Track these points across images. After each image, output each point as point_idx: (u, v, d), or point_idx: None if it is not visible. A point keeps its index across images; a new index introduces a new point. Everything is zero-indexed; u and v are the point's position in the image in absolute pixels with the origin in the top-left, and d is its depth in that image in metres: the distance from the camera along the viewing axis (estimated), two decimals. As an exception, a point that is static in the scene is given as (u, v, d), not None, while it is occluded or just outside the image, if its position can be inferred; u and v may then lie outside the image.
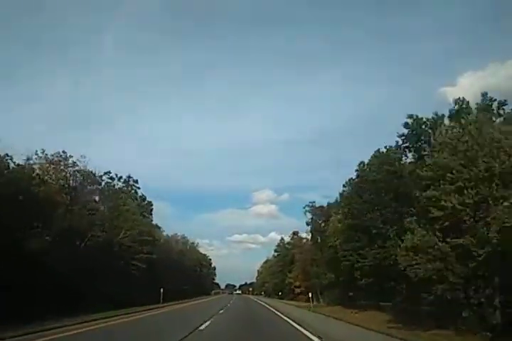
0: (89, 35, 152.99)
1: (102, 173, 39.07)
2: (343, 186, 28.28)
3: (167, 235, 74.12)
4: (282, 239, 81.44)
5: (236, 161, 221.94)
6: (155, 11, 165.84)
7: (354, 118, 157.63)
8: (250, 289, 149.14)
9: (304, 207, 60.02)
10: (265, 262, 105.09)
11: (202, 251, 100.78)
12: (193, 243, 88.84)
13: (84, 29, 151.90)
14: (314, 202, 59.59)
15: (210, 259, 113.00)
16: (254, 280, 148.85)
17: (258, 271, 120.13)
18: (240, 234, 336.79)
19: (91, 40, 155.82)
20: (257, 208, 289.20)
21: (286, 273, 69.46)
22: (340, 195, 29.36)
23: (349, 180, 27.98)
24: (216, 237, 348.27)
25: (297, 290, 65.06)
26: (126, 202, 33.59)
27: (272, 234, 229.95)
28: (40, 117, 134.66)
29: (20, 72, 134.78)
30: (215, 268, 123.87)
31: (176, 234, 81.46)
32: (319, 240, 57.21)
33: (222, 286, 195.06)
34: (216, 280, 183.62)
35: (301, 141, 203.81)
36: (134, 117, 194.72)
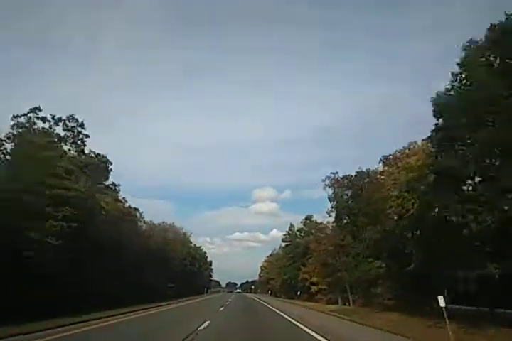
0: (92, 35, 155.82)
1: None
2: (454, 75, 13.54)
3: (151, 221, 60.21)
4: (292, 225, 66.90)
5: (236, 159, 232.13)
6: (157, 10, 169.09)
7: (356, 116, 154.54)
8: (252, 287, 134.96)
9: (324, 180, 45.21)
10: (270, 255, 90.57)
11: (195, 246, 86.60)
12: (185, 234, 74.53)
13: (87, 29, 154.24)
14: (337, 172, 44.77)
15: (206, 253, 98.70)
16: (257, 278, 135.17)
17: (261, 266, 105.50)
18: (241, 232, 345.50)
19: (94, 39, 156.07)
20: (257, 206, 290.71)
21: (299, 266, 54.95)
22: (436, 104, 14.67)
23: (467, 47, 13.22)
24: (217, 235, 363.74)
25: (314, 288, 50.62)
26: (30, 136, 19.14)
27: (273, 232, 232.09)
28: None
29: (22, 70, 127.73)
30: (211, 263, 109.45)
31: (163, 222, 67.26)
32: (346, 220, 42.90)
33: (223, 284, 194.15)
34: (216, 279, 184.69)
35: (301, 139, 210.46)
36: (136, 116, 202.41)
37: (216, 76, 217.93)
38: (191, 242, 72.09)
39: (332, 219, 45.81)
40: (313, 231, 57.76)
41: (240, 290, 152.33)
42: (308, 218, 59.67)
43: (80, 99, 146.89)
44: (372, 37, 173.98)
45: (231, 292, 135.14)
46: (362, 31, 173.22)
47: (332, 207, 44.56)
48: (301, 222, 59.98)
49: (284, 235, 68.13)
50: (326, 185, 45.11)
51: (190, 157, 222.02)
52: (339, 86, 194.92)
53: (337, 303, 43.48)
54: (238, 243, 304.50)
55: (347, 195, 43.87)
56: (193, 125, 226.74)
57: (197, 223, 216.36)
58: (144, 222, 56.32)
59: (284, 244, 68.27)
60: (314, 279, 50.30)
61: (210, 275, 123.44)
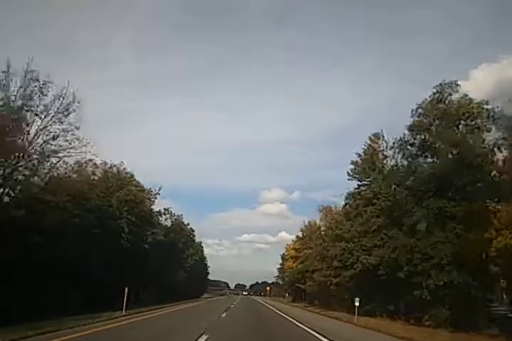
0: (98, 33, 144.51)
1: None
2: None
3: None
4: (357, 162, 29.90)
5: (245, 160, 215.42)
6: (164, 8, 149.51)
7: (365, 117, 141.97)
8: (268, 289, 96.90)
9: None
10: (305, 229, 52.64)
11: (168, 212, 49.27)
12: (150, 190, 36.19)
13: (93, 27, 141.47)
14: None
15: (194, 234, 60.91)
16: (269, 279, 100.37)
17: (283, 255, 67.69)
18: (249, 233, 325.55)
19: (100, 38, 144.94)
20: (266, 207, 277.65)
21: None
22: None
23: None
24: (225, 237, 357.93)
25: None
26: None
27: (282, 234, 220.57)
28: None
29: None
30: (202, 248, 71.48)
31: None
32: None
33: (232, 286, 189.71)
34: (226, 280, 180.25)
35: (312, 140, 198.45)
36: (143, 116, 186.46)
37: (226, 75, 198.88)
38: (138, 186, 32.99)
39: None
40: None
41: (246, 293, 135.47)
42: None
43: (88, 98, 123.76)
44: (383, 34, 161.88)
45: (237, 294, 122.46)
46: (373, 28, 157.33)
47: None
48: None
49: (352, 171, 30.69)
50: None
51: (197, 157, 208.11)
52: (352, 85, 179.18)
53: None
54: (247, 245, 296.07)
55: None
56: (199, 125, 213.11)
57: (205, 225, 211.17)
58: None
59: (353, 188, 30.34)
60: None
61: (207, 273, 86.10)
